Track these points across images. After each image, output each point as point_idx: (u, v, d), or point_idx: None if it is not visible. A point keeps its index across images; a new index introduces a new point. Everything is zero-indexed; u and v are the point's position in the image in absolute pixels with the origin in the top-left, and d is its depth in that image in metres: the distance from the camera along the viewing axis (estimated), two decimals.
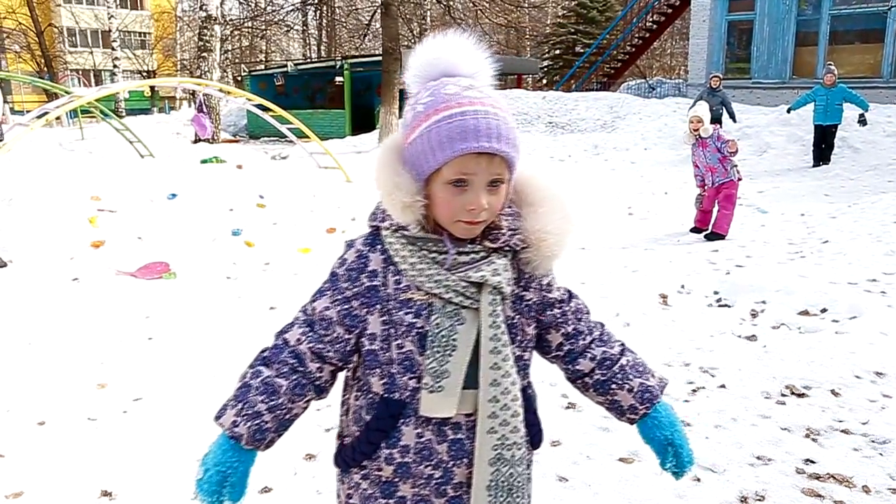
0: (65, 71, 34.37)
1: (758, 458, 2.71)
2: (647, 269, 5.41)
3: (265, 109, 9.81)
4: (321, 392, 1.30)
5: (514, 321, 1.26)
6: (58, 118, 20.02)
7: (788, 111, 11.72)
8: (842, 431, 2.89)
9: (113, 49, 28.91)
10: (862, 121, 11.12)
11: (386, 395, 1.23)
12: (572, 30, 35.94)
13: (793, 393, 3.23)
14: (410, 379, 1.20)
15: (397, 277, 1.20)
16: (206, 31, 14.16)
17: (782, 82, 19.12)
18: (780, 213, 7.76)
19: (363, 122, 23.41)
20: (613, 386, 1.34)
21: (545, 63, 38.14)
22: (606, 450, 2.80)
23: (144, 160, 11.08)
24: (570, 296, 1.38)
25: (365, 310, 1.23)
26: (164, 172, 8.36)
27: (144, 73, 36.56)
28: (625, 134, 15.02)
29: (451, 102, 1.14)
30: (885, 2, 16.68)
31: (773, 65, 19.41)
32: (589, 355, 1.35)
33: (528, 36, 43.22)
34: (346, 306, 1.24)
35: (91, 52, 36.86)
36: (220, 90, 8.51)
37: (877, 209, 6.94)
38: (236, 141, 22.17)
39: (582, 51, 29.52)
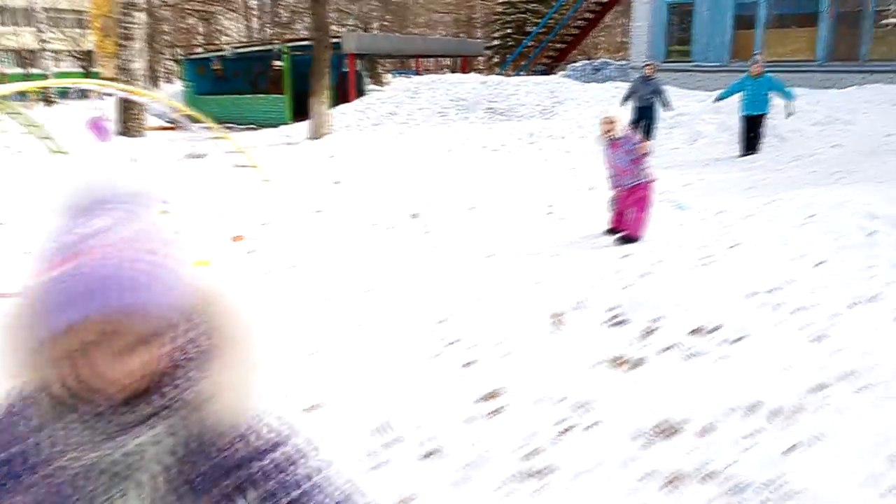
0: None
1: None
2: (549, 281, 5.27)
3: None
4: None
5: (181, 490, 1.06)
6: None
7: (716, 101, 11.69)
8: (704, 476, 2.78)
9: (39, 30, 27.66)
10: (788, 113, 11.22)
11: None
12: (522, 9, 35.78)
13: (663, 431, 3.11)
14: None
15: (51, 440, 1.00)
16: (127, 17, 13.56)
17: (722, 66, 19.21)
18: (700, 210, 7.70)
19: (307, 107, 22.97)
20: None
21: (495, 43, 37.92)
22: None
23: (54, 158, 10.58)
24: (275, 445, 1.17)
25: (11, 481, 1.03)
26: (64, 176, 7.95)
27: (80, 55, 35.19)
28: (562, 121, 14.90)
29: (67, 254, 0.92)
30: None
31: (713, 48, 19.49)
32: None
33: (475, 16, 42.86)
34: None
35: (15, 33, 35.09)
36: (126, 90, 8.07)
37: (791, 207, 6.90)
38: (172, 128, 21.47)
39: (530, 30, 29.35)
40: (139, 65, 13.62)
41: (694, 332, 4.18)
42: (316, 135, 13.97)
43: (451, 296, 5.02)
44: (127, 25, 13.40)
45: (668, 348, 3.97)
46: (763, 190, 8.63)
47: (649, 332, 4.22)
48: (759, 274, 5.14)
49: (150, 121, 18.64)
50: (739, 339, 3.95)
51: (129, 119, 13.72)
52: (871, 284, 4.74)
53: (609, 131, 6.46)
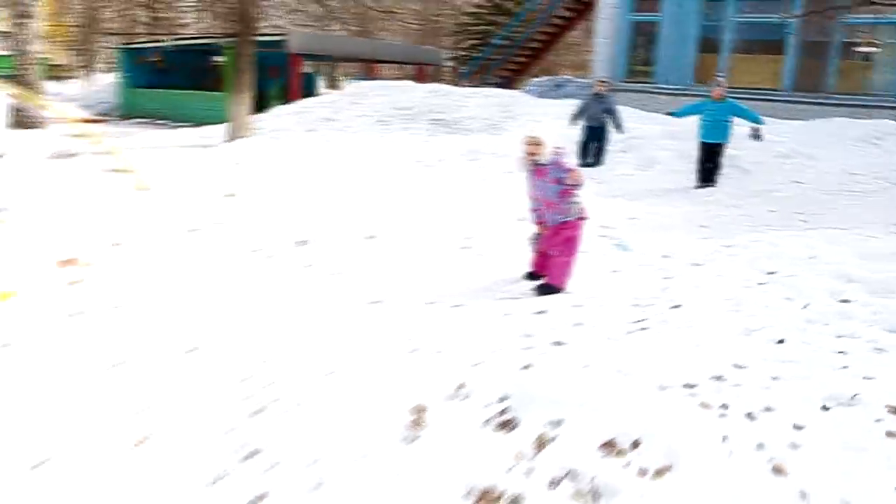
0: None
1: None
2: (432, 347, 4.01)
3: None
4: None
5: None
6: None
7: (670, 114, 10.60)
8: None
9: None
10: (756, 136, 10.06)
11: None
12: (488, 20, 34.94)
13: None
14: None
15: None
16: None
17: (684, 89, 18.30)
18: (642, 252, 6.55)
19: (251, 107, 21.53)
20: None
21: (461, 54, 37.03)
22: None
23: None
24: None
25: None
26: None
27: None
28: (511, 138, 13.72)
29: None
30: (787, 11, 15.96)
31: (676, 70, 18.63)
32: None
33: (441, 25, 42.00)
34: None
35: None
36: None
37: (746, 256, 5.79)
38: (100, 121, 19.85)
39: (494, 42, 28.35)
40: (37, 47, 12.07)
41: (606, 446, 2.96)
42: (232, 138, 12.58)
43: (292, 368, 3.72)
44: (23, 1, 11.87)
45: (560, 479, 2.73)
46: (718, 230, 7.54)
47: (542, 444, 2.99)
48: (703, 352, 3.95)
49: (77, 112, 17.06)
50: (664, 469, 2.73)
51: (27, 109, 12.18)
52: (846, 378, 3.58)
53: (533, 154, 5.24)
